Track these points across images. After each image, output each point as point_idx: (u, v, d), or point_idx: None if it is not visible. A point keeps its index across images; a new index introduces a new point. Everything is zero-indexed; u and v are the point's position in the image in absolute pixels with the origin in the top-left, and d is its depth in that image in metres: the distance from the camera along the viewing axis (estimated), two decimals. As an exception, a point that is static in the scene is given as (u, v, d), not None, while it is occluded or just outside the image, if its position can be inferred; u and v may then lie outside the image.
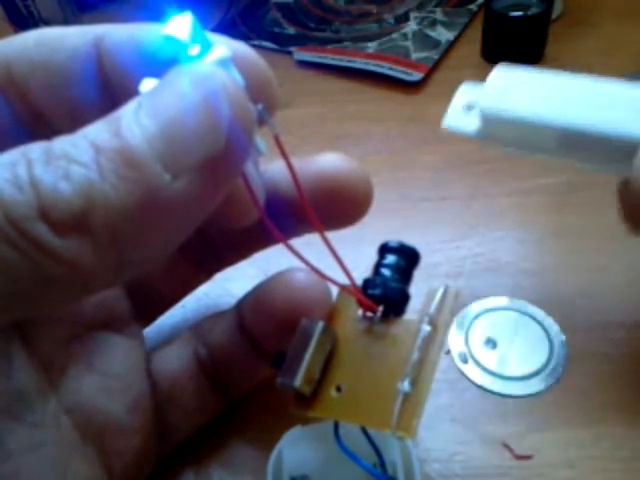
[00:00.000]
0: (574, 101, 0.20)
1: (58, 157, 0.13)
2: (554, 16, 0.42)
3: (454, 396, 0.24)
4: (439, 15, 0.45)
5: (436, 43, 0.43)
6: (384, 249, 0.20)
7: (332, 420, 0.19)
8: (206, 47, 0.16)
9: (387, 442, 0.20)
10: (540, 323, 0.26)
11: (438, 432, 0.23)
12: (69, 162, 0.13)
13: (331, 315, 0.20)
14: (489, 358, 0.25)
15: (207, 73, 0.15)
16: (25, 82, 0.18)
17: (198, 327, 0.23)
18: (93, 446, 0.19)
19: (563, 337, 0.26)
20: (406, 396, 0.17)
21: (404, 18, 0.46)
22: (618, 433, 0.22)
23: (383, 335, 0.19)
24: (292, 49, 0.44)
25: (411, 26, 0.45)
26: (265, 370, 0.22)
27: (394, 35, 0.44)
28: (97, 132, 0.14)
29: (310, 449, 0.21)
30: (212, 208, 0.16)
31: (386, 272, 0.20)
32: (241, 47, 0.17)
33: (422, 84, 0.40)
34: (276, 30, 0.47)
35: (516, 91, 0.21)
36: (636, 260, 0.27)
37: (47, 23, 0.43)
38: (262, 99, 0.16)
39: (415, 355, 0.18)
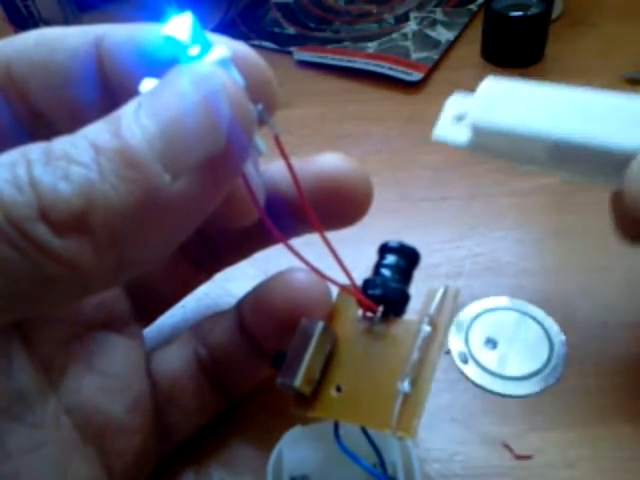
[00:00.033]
0: (564, 113, 0.20)
1: (58, 157, 0.13)
2: (554, 16, 0.42)
3: (454, 396, 0.24)
4: (439, 15, 0.45)
5: (436, 43, 0.43)
6: (384, 249, 0.20)
7: (332, 420, 0.19)
8: (206, 47, 0.16)
9: (387, 442, 0.20)
10: (540, 323, 0.26)
11: (438, 432, 0.23)
12: (69, 162, 0.13)
13: (331, 315, 0.20)
14: (489, 358, 0.25)
15: (207, 73, 0.15)
16: (25, 82, 0.18)
17: (198, 327, 0.23)
18: (93, 446, 0.19)
19: (563, 337, 0.26)
20: (406, 396, 0.17)
21: (404, 18, 0.46)
22: (618, 433, 0.22)
23: (383, 335, 0.19)
24: (292, 49, 0.44)
25: (411, 26, 0.45)
26: (265, 370, 0.22)
27: (394, 35, 0.44)
28: (97, 132, 0.14)
29: (310, 449, 0.21)
30: (212, 208, 0.16)
31: (386, 272, 0.20)
32: (241, 47, 0.17)
33: (422, 84, 0.40)
34: (276, 30, 0.47)
35: (506, 103, 0.21)
36: (636, 260, 0.27)
37: (47, 23, 0.43)
38: (262, 99, 0.16)
39: (415, 355, 0.18)
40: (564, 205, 0.31)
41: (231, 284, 0.28)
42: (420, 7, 0.47)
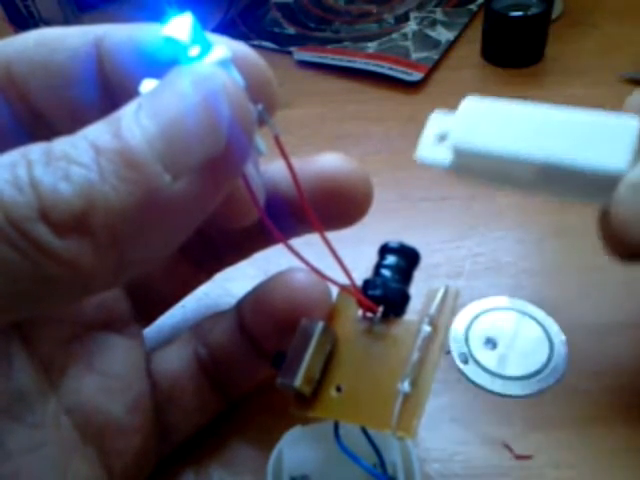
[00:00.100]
0: (548, 134, 0.20)
1: (58, 158, 0.13)
2: (554, 16, 0.42)
3: (454, 396, 0.24)
4: (439, 15, 0.45)
5: (436, 43, 0.43)
6: (384, 250, 0.20)
7: (332, 420, 0.19)
8: (206, 48, 0.16)
9: (387, 442, 0.20)
10: (540, 323, 0.26)
11: (438, 432, 0.23)
12: (69, 163, 0.13)
13: (331, 315, 0.20)
14: (489, 358, 0.25)
15: (207, 74, 0.15)
16: (25, 82, 0.18)
17: (198, 327, 0.23)
18: (93, 446, 0.19)
19: (563, 337, 0.26)
20: (406, 396, 0.17)
21: (404, 18, 0.46)
22: (618, 433, 0.22)
23: (383, 335, 0.19)
24: (292, 49, 0.44)
25: (411, 26, 0.45)
26: (265, 370, 0.22)
27: (394, 35, 0.44)
28: (97, 133, 0.14)
29: (310, 449, 0.21)
30: (212, 208, 0.16)
31: (386, 273, 0.20)
32: (241, 47, 0.17)
33: (422, 84, 0.40)
34: (276, 30, 0.47)
35: (488, 123, 0.20)
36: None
37: (47, 23, 0.43)
38: (262, 99, 0.16)
39: (415, 355, 0.18)
40: (564, 205, 0.31)
41: (231, 284, 0.28)
42: (420, 7, 0.47)
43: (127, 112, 0.14)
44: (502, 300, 0.27)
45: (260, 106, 0.16)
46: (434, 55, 0.41)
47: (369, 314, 0.20)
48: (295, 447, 0.21)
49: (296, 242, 0.19)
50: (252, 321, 0.21)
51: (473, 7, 0.46)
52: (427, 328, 0.18)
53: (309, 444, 0.21)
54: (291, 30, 0.46)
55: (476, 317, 0.27)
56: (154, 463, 0.22)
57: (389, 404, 0.17)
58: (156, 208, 0.14)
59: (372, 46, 0.43)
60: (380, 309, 0.19)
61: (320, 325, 0.19)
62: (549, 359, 0.25)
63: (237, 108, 0.15)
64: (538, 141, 0.19)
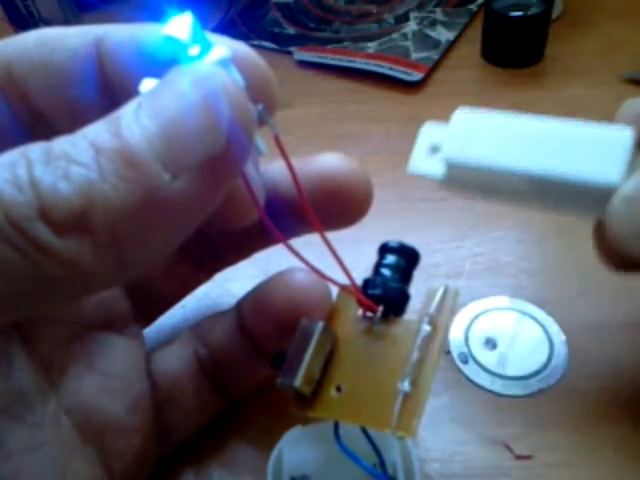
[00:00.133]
0: (541, 146, 0.19)
1: (58, 157, 0.13)
2: (554, 16, 0.42)
3: (454, 396, 0.24)
4: (439, 15, 0.45)
5: (436, 43, 0.43)
6: (384, 249, 0.20)
7: (332, 420, 0.19)
8: (206, 47, 0.16)
9: (387, 442, 0.20)
10: (540, 323, 0.26)
11: (438, 432, 0.23)
12: (69, 162, 0.13)
13: (331, 315, 0.20)
14: (489, 358, 0.25)
15: (207, 73, 0.15)
16: (25, 82, 0.18)
17: (198, 327, 0.23)
18: (93, 446, 0.19)
19: (563, 337, 0.26)
20: (406, 396, 0.17)
21: (404, 18, 0.46)
22: (618, 433, 0.22)
23: (383, 335, 0.19)
24: (292, 49, 0.44)
25: (411, 26, 0.45)
26: (265, 370, 0.22)
27: (394, 35, 0.44)
28: (97, 132, 0.14)
29: (310, 449, 0.21)
30: (212, 208, 0.16)
31: (386, 272, 0.20)
32: (241, 47, 0.17)
33: (422, 84, 0.40)
34: (276, 30, 0.47)
35: (480, 136, 0.20)
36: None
37: (47, 23, 0.43)
38: (262, 99, 0.16)
39: (415, 355, 0.18)
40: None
41: (231, 284, 0.28)
42: (420, 7, 0.47)
43: (127, 111, 0.14)
44: (502, 300, 0.27)
45: (260, 106, 0.16)
46: (434, 55, 0.41)
47: (369, 314, 0.20)
48: (295, 447, 0.21)
49: (296, 242, 0.19)
50: (252, 321, 0.21)
51: (473, 7, 0.46)
52: (427, 328, 0.18)
53: (309, 444, 0.21)
54: (291, 30, 0.46)
55: (476, 317, 0.27)
56: (154, 463, 0.22)
57: (389, 404, 0.17)
58: (156, 207, 0.14)
59: (372, 46, 0.43)
60: (380, 309, 0.19)
61: (320, 325, 0.19)
62: (549, 359, 0.25)
63: (237, 108, 0.15)
64: (531, 154, 0.19)
